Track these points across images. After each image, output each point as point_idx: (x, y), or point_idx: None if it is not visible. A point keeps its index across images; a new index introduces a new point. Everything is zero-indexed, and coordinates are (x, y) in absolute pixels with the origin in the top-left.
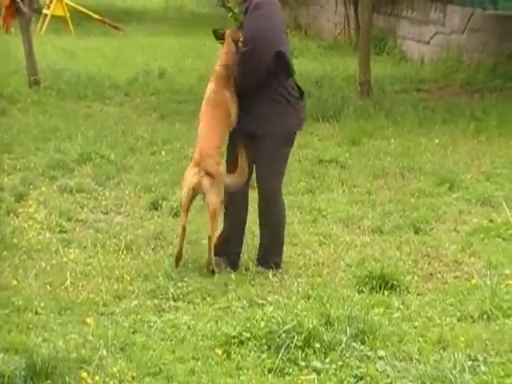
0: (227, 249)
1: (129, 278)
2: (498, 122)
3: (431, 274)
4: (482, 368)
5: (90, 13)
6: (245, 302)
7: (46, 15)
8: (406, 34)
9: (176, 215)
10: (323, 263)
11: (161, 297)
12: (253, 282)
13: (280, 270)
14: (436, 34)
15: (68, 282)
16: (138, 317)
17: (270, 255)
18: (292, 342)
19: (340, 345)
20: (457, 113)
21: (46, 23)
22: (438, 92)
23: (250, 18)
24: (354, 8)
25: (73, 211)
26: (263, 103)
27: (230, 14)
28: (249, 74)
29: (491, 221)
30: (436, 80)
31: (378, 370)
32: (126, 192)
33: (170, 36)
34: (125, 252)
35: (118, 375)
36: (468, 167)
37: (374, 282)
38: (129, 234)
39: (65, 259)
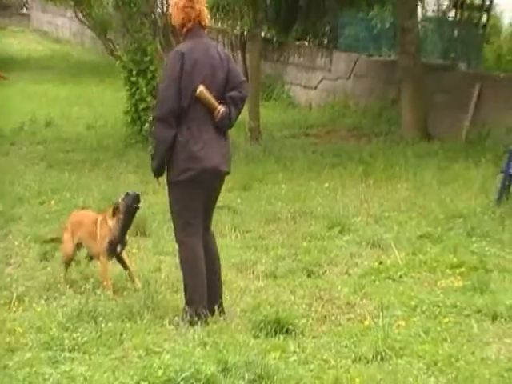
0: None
1: (21, 331)
2: (384, 165)
3: (325, 317)
4: None
5: None
6: (141, 350)
7: None
8: (294, 80)
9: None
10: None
11: (55, 348)
12: (148, 331)
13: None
14: (322, 79)
15: None
16: (33, 369)
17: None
18: None
19: None
20: (345, 157)
21: None
22: (326, 136)
23: None
24: (241, 54)
25: None
26: None
27: (117, 62)
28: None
29: (381, 263)
30: (324, 125)
31: None
32: (16, 243)
33: (56, 84)
34: (16, 304)
35: None
36: (357, 210)
37: (269, 326)
38: (20, 285)
39: None
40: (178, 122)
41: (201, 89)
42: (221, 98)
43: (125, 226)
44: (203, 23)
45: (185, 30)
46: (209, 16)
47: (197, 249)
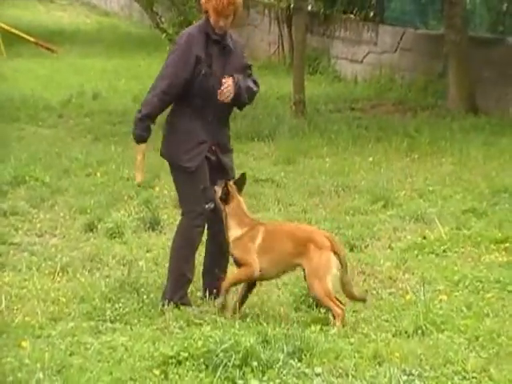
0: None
1: (65, 300)
2: (430, 139)
3: (366, 291)
4: (417, 382)
5: (23, 34)
6: (182, 322)
7: None
8: (339, 54)
9: (112, 236)
10: (260, 282)
11: (97, 318)
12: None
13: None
14: (368, 53)
15: (3, 306)
16: (75, 339)
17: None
18: (230, 361)
19: (277, 363)
20: (390, 131)
21: None
22: (371, 111)
23: (243, 55)
24: (287, 28)
25: (7, 234)
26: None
27: (163, 35)
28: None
29: (424, 237)
30: (369, 99)
31: None
32: (61, 214)
33: (103, 57)
34: (60, 274)
35: None
36: (401, 185)
37: (310, 299)
38: (64, 256)
39: None
40: None
41: None
42: None
43: None
44: None
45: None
46: None
47: None
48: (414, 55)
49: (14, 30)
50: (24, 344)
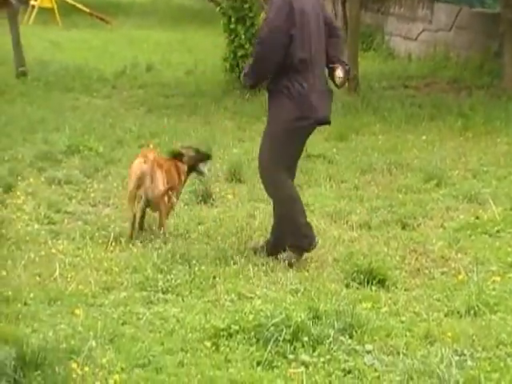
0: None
1: (117, 270)
2: (484, 119)
3: (418, 270)
4: (469, 363)
5: (78, 5)
6: (233, 295)
7: (33, 6)
8: (394, 31)
9: None
10: (311, 258)
11: (149, 289)
12: (241, 276)
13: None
14: (423, 30)
15: (57, 273)
16: (127, 308)
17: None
18: (280, 336)
19: (328, 338)
20: (444, 109)
21: (33, 15)
22: (425, 89)
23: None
24: (341, 4)
25: (61, 203)
26: (270, 92)
27: (218, 8)
28: (262, 62)
29: (478, 217)
30: (423, 77)
31: (365, 364)
32: (115, 184)
33: (157, 30)
34: (113, 244)
35: (107, 366)
36: (455, 164)
37: (361, 276)
38: (117, 226)
39: (53, 250)
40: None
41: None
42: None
43: None
44: None
45: None
46: None
47: None
48: (470, 34)
49: (69, 1)
50: (77, 312)
